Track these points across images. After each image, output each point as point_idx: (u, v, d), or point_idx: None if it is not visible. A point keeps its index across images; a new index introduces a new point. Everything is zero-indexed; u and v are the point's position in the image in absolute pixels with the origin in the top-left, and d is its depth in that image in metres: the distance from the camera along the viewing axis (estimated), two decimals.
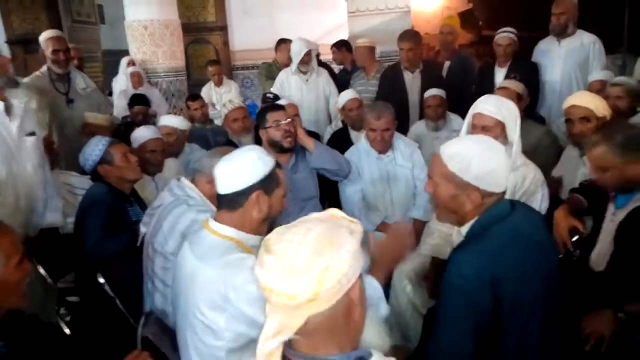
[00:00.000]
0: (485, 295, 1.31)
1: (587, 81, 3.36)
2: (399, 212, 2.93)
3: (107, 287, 2.02)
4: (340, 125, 4.04)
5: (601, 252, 1.84)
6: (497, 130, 2.09)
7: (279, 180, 1.54)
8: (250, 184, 1.46)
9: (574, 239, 1.98)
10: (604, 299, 1.69)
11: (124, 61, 5.77)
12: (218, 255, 1.43)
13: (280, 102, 3.22)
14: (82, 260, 2.18)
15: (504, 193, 1.46)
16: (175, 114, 5.64)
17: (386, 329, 1.39)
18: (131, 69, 5.20)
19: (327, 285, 0.82)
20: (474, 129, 2.15)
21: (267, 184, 1.49)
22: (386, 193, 2.93)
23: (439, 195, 1.47)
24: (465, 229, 1.46)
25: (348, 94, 3.54)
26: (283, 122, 2.61)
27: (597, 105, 2.38)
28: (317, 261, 0.83)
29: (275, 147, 2.61)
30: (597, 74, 3.29)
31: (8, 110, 2.16)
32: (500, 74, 3.73)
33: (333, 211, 0.95)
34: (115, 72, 6.40)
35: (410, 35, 3.73)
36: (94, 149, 2.27)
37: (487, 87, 3.71)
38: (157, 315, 1.80)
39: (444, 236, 2.32)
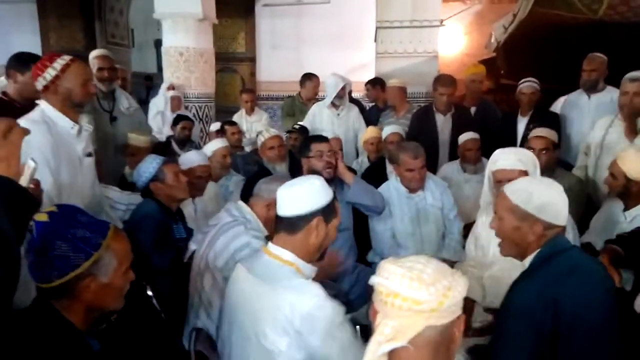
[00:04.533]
0: (546, 317, 1.39)
1: None
2: (429, 251, 2.95)
3: (154, 301, 2.07)
4: (365, 160, 4.16)
5: None
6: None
7: (337, 210, 1.61)
8: (314, 209, 1.53)
9: None
10: None
11: (164, 85, 5.91)
12: (282, 280, 1.48)
13: (326, 135, 3.32)
14: None
15: (564, 228, 1.56)
16: (201, 137, 5.81)
17: None
18: (172, 93, 5.39)
19: (449, 302, 0.92)
20: (500, 183, 2.17)
21: (327, 212, 1.56)
22: (416, 232, 2.97)
23: (503, 229, 1.58)
24: (528, 260, 1.55)
25: (392, 128, 3.78)
26: (326, 153, 2.71)
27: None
28: (442, 279, 0.94)
29: None
30: None
31: (78, 132, 2.27)
32: (522, 123, 3.84)
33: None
34: (139, 93, 6.63)
35: (448, 80, 3.86)
36: (149, 166, 2.37)
37: (510, 135, 3.84)
38: (206, 331, 1.85)
39: (475, 276, 2.36)
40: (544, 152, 2.86)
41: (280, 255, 1.54)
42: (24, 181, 1.63)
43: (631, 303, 1.94)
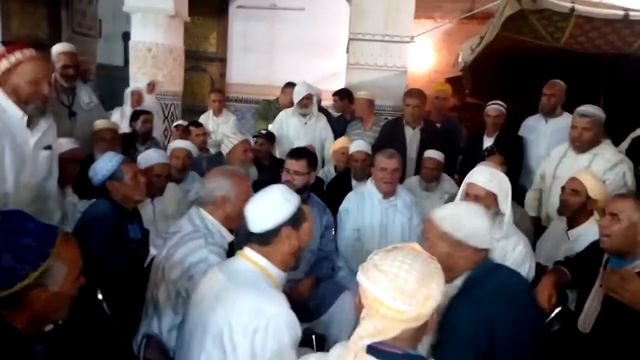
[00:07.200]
0: (481, 337, 1.48)
1: None
2: None
3: (104, 304, 2.00)
4: (332, 170, 4.17)
5: (589, 314, 1.95)
6: (488, 200, 2.18)
7: (305, 214, 1.65)
8: (280, 221, 1.57)
9: (556, 310, 2.09)
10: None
11: (127, 92, 5.42)
12: (250, 282, 1.52)
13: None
14: None
15: (488, 250, 1.68)
16: (166, 136, 5.69)
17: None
18: (131, 88, 5.23)
19: (427, 310, 1.08)
20: (467, 197, 2.25)
21: (295, 220, 1.60)
22: (382, 238, 2.98)
23: (435, 255, 1.61)
24: (459, 281, 1.63)
25: (360, 144, 3.67)
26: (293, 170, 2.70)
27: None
28: (422, 289, 1.07)
29: None
30: None
31: (30, 123, 2.22)
32: (487, 143, 3.93)
33: (413, 244, 1.19)
34: (105, 86, 6.42)
35: (418, 93, 3.93)
36: (107, 163, 2.29)
37: (475, 154, 3.95)
38: (157, 338, 1.80)
39: None
40: None
41: (253, 258, 1.59)
42: None
43: (575, 322, 2.01)
